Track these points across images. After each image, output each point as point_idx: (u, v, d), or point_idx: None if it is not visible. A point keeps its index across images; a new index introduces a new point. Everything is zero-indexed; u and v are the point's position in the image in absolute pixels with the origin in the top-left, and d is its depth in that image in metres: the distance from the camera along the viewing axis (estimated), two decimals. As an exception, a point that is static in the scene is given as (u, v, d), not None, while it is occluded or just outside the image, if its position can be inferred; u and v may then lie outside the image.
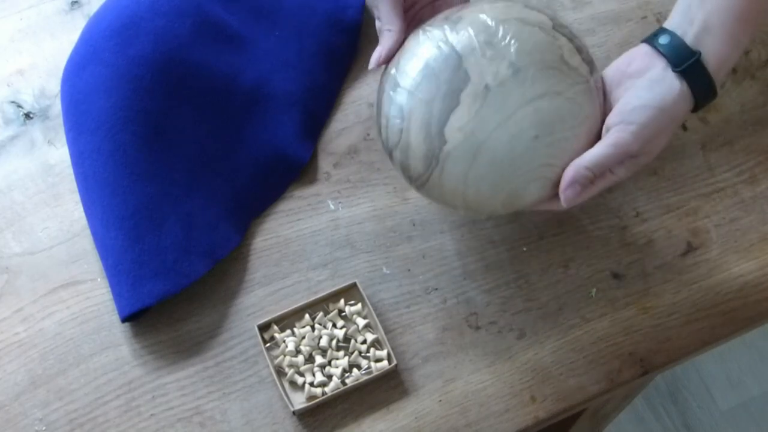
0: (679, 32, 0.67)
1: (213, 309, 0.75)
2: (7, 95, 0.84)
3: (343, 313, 0.75)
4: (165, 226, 0.75)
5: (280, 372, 0.73)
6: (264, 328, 0.74)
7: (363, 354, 0.73)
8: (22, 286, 0.76)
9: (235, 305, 0.76)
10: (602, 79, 0.70)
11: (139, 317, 0.74)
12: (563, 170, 0.66)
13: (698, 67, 0.66)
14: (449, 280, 0.77)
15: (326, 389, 0.72)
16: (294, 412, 0.71)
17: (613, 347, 0.75)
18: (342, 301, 0.75)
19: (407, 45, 0.70)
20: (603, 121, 0.68)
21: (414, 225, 0.79)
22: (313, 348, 0.73)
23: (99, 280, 0.76)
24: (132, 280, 0.73)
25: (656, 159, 0.82)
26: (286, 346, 0.73)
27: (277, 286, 0.77)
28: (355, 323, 0.75)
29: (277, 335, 0.74)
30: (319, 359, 0.73)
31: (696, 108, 0.68)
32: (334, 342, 0.74)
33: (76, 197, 0.79)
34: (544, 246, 0.79)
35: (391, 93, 0.68)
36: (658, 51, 0.67)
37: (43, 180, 0.80)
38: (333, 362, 0.73)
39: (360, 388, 0.73)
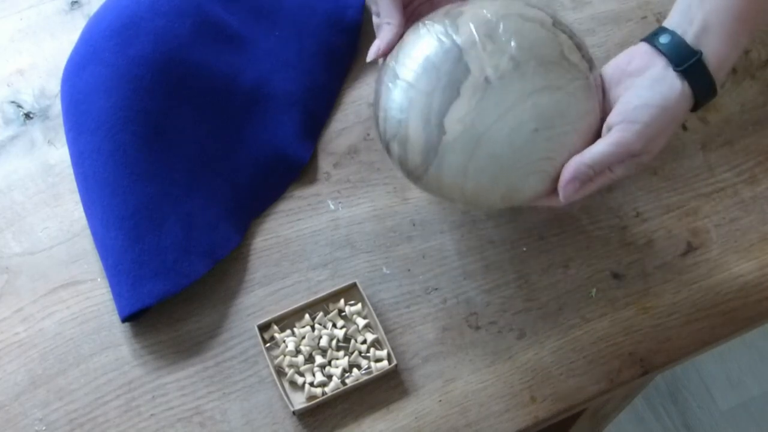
0: (679, 31, 0.67)
1: (213, 309, 0.75)
2: (7, 95, 0.84)
3: (343, 313, 0.75)
4: (165, 226, 0.75)
5: (280, 372, 0.73)
6: (264, 328, 0.74)
7: (363, 354, 0.73)
8: (22, 286, 0.76)
9: (235, 305, 0.76)
10: (601, 76, 0.70)
11: (139, 317, 0.74)
12: (562, 165, 0.66)
13: (699, 67, 0.66)
14: (449, 280, 0.77)
15: (326, 389, 0.72)
16: (294, 412, 0.71)
17: (613, 347, 0.75)
18: (342, 301, 0.75)
19: (407, 38, 0.70)
20: (602, 119, 0.68)
21: (414, 225, 0.79)
22: (313, 348, 0.73)
23: (99, 280, 0.76)
24: (132, 280, 0.73)
25: (656, 159, 0.83)
26: (286, 346, 0.73)
27: (277, 286, 0.77)
28: (355, 323, 0.75)
29: (277, 335, 0.74)
30: (319, 359, 0.73)
31: (695, 107, 0.68)
32: (334, 342, 0.74)
33: (76, 197, 0.79)
34: (544, 246, 0.79)
35: (390, 85, 0.68)
36: (659, 50, 0.67)
37: (43, 180, 0.80)
38: (333, 362, 0.73)
39: (360, 388, 0.73)
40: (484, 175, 0.66)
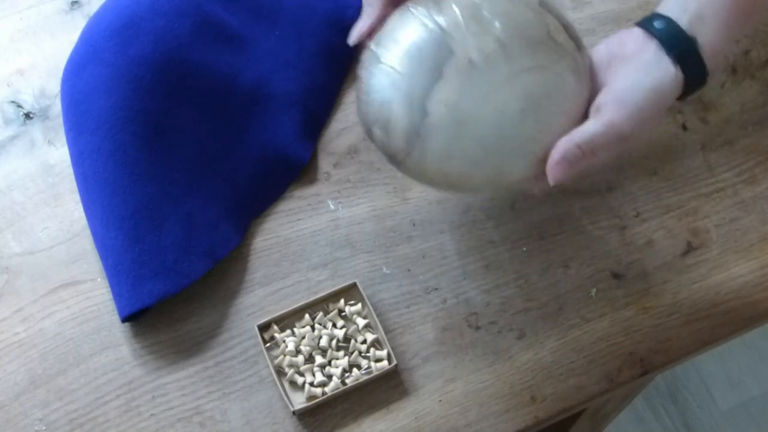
0: (673, 17, 0.65)
1: (213, 309, 0.75)
2: (7, 95, 0.84)
3: (343, 313, 0.75)
4: (165, 226, 0.75)
5: (280, 372, 0.73)
6: (264, 328, 0.74)
7: (363, 354, 0.73)
8: (22, 286, 0.76)
9: (235, 305, 0.76)
10: (591, 58, 0.68)
11: (139, 317, 0.74)
12: (550, 147, 0.64)
13: (694, 53, 0.64)
14: (449, 280, 0.77)
15: (326, 389, 0.72)
16: (294, 412, 0.71)
17: (613, 347, 0.75)
18: (342, 301, 0.75)
19: (390, 21, 0.68)
20: (590, 101, 0.66)
21: (414, 225, 0.79)
22: (313, 348, 0.73)
23: (99, 280, 0.76)
24: (132, 280, 0.73)
25: (656, 159, 0.83)
26: (286, 346, 0.73)
27: (277, 286, 0.77)
28: (355, 323, 0.75)
29: (277, 335, 0.74)
30: (319, 359, 0.73)
31: (682, 96, 0.66)
32: (334, 342, 0.74)
33: (76, 197, 0.79)
34: (544, 246, 0.79)
35: (372, 68, 0.67)
36: (653, 34, 0.65)
37: (43, 180, 0.80)
38: (333, 362, 0.73)
39: (360, 388, 0.73)
40: (469, 158, 0.65)
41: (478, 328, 0.75)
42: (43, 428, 0.70)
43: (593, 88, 0.67)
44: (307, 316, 0.75)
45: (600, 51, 0.69)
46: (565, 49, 0.65)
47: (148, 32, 0.78)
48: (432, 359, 0.74)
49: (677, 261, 0.79)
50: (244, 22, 0.84)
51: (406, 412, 0.72)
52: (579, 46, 0.67)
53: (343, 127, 0.84)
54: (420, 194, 0.81)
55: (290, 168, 0.81)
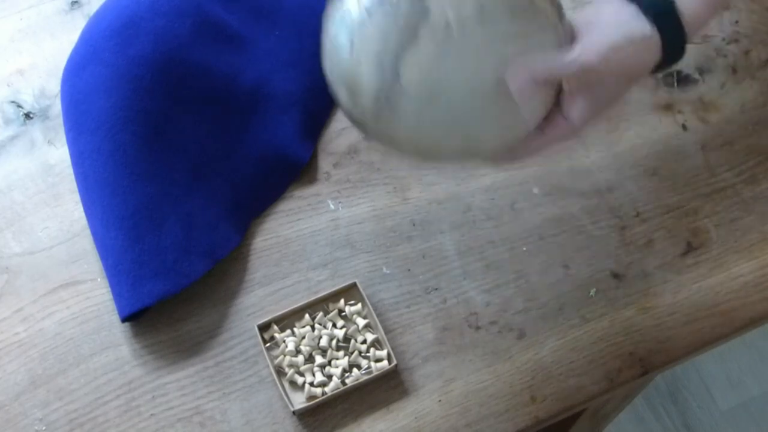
0: None
1: (213, 309, 0.75)
2: (7, 95, 0.84)
3: (343, 313, 0.75)
4: (165, 226, 0.75)
5: (280, 372, 0.73)
6: (264, 328, 0.74)
7: (363, 354, 0.73)
8: (22, 286, 0.76)
9: (235, 305, 0.76)
10: (572, 27, 0.65)
11: (139, 317, 0.74)
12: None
13: (672, 16, 0.63)
14: (449, 280, 0.77)
15: (326, 389, 0.72)
16: (294, 412, 0.71)
17: (613, 347, 0.75)
18: (342, 301, 0.75)
19: None
20: None
21: (414, 225, 0.79)
22: (313, 348, 0.73)
23: (99, 280, 0.76)
24: (132, 280, 0.73)
25: (656, 159, 0.83)
26: (286, 346, 0.73)
27: (277, 286, 0.77)
28: (355, 323, 0.75)
29: (277, 335, 0.74)
30: (319, 359, 0.73)
31: (659, 67, 0.64)
32: (334, 342, 0.74)
33: (76, 197, 0.79)
34: (544, 246, 0.79)
35: (341, 23, 0.61)
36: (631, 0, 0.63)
37: (43, 180, 0.80)
38: (333, 362, 0.73)
39: (360, 388, 0.73)
40: (442, 126, 0.61)
41: (478, 328, 0.75)
42: (43, 428, 0.70)
43: None
44: (307, 316, 0.75)
45: (577, 20, 0.65)
46: (546, 15, 0.62)
47: (148, 32, 0.78)
48: (432, 359, 0.74)
49: (677, 261, 0.79)
50: (244, 22, 0.84)
51: (406, 412, 0.72)
52: (560, 13, 0.64)
53: (343, 127, 0.84)
54: (420, 194, 0.81)
55: (290, 168, 0.81)
